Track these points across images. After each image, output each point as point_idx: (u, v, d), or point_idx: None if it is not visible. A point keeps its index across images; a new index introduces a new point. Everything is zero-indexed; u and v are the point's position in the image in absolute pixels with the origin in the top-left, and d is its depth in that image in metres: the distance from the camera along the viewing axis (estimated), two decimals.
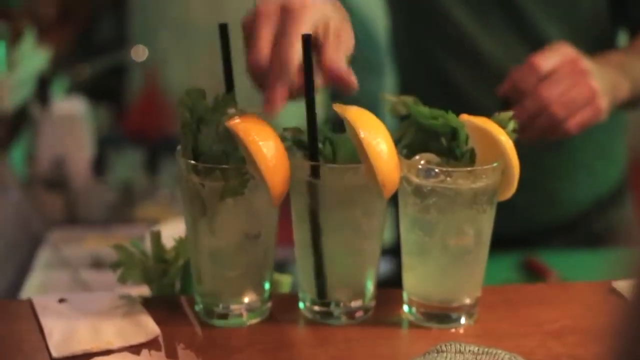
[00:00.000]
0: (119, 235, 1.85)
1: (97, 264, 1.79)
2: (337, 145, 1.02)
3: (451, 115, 1.01)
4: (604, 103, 1.30)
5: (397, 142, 1.01)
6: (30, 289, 1.64)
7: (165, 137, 2.82)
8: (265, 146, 0.96)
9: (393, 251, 1.43)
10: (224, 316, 1.04)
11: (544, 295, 1.15)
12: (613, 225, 1.77)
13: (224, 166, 0.98)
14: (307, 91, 0.98)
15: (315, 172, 1.00)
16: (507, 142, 1.00)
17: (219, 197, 0.98)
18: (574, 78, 1.27)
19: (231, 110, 0.98)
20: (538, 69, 1.27)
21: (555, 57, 1.28)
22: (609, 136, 1.72)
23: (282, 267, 1.18)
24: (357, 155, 1.00)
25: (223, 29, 1.04)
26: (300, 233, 1.04)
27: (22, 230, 1.84)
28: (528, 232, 1.72)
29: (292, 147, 1.03)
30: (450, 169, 0.99)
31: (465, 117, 1.01)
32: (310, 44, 0.98)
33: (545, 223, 1.74)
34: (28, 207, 1.91)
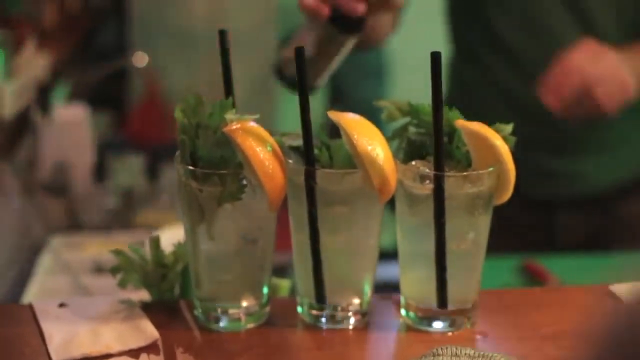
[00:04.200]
0: (120, 240, 1.86)
1: (98, 269, 1.79)
2: (334, 150, 1.03)
3: (453, 113, 1.02)
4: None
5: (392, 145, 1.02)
6: (31, 294, 1.64)
7: (165, 143, 2.82)
8: (263, 152, 0.97)
9: (390, 255, 1.44)
10: (223, 320, 1.05)
11: (540, 299, 1.16)
12: (633, 215, 1.83)
13: (222, 172, 0.99)
14: (300, 96, 0.99)
15: (311, 177, 1.00)
16: (502, 147, 1.01)
17: (217, 202, 0.99)
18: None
19: (229, 116, 0.99)
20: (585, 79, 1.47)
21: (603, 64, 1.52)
22: (635, 123, 1.78)
23: (280, 271, 1.19)
24: (354, 160, 1.01)
25: (223, 35, 1.04)
26: (298, 237, 1.05)
27: (23, 236, 1.85)
28: (552, 198, 1.82)
29: (289, 152, 1.03)
30: (446, 174, 1.00)
31: (460, 122, 1.02)
32: (304, 56, 0.99)
33: (568, 194, 1.83)
34: (29, 213, 1.92)
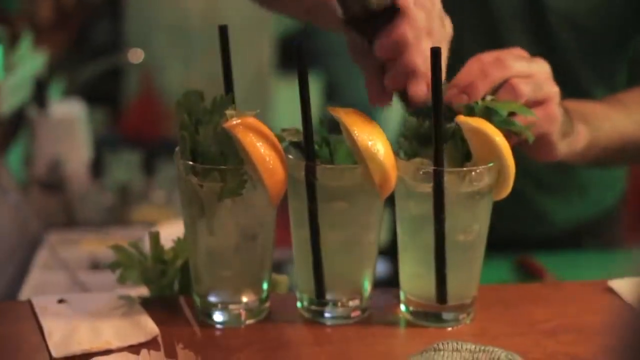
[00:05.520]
0: (116, 237, 1.86)
1: (95, 265, 1.79)
2: (334, 146, 1.03)
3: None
4: (557, 111, 1.13)
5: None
6: (28, 291, 1.64)
7: (161, 139, 2.82)
8: (263, 147, 0.97)
9: (389, 252, 1.44)
10: (223, 316, 1.05)
11: (538, 295, 1.16)
12: (601, 242, 1.78)
13: (222, 167, 0.99)
14: (301, 91, 0.99)
15: (312, 172, 1.00)
16: (502, 143, 1.01)
17: (217, 197, 0.99)
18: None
19: (229, 112, 0.99)
20: (506, 67, 1.10)
21: (531, 64, 1.12)
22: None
23: (278, 267, 1.19)
24: (354, 155, 1.01)
25: (223, 31, 1.04)
26: (299, 233, 1.05)
27: (20, 232, 1.85)
28: (515, 241, 1.72)
29: (289, 148, 1.04)
30: (445, 170, 1.00)
31: (461, 118, 1.02)
32: (303, 52, 0.99)
33: (532, 235, 1.74)
34: (26, 209, 1.92)
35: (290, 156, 1.02)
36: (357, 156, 1.00)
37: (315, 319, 1.06)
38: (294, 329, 1.06)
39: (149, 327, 1.02)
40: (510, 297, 1.14)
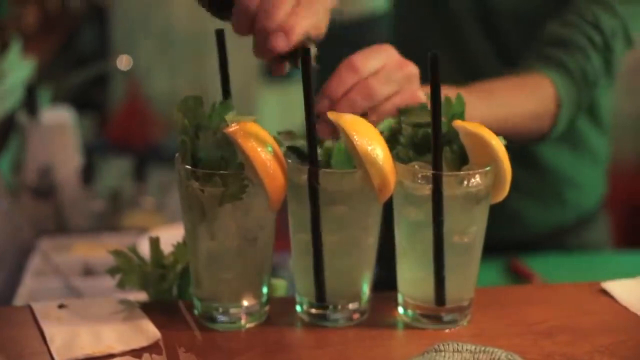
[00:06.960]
0: (108, 243, 1.86)
1: (88, 271, 1.79)
2: (332, 151, 1.04)
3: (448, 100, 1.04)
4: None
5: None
6: (22, 297, 1.64)
7: (149, 145, 2.82)
8: (264, 152, 0.98)
9: (386, 255, 1.45)
10: (223, 320, 1.05)
11: (533, 297, 1.17)
12: (585, 244, 1.79)
13: (223, 172, 1.00)
14: (305, 96, 1.00)
15: (314, 177, 1.01)
16: (499, 147, 1.03)
17: (218, 202, 1.00)
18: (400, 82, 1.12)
19: (229, 117, 1.00)
20: (357, 70, 1.09)
21: (378, 58, 1.11)
22: (581, 169, 1.74)
23: (275, 271, 1.20)
24: (352, 160, 1.02)
25: (220, 35, 1.05)
26: (298, 237, 1.06)
27: (12, 239, 1.84)
28: (498, 244, 1.72)
29: (288, 153, 1.05)
30: (444, 174, 1.01)
31: (458, 122, 1.03)
32: (307, 55, 1.00)
33: (512, 238, 1.76)
34: (17, 216, 1.92)
35: (290, 161, 1.03)
36: (356, 161, 1.01)
37: (315, 322, 1.07)
38: (294, 332, 1.07)
39: (150, 331, 1.03)
40: (506, 299, 1.15)
